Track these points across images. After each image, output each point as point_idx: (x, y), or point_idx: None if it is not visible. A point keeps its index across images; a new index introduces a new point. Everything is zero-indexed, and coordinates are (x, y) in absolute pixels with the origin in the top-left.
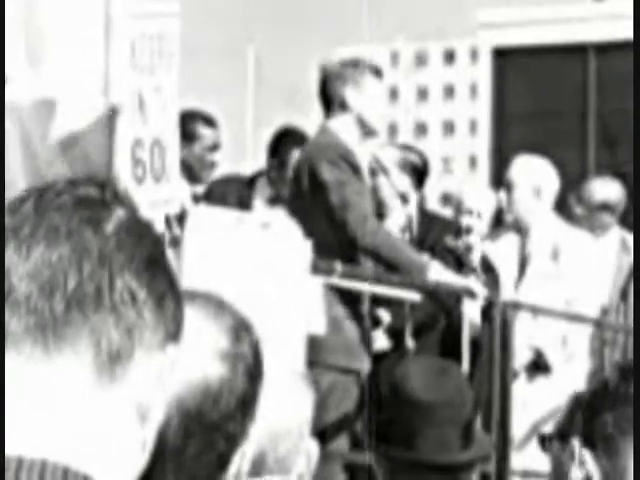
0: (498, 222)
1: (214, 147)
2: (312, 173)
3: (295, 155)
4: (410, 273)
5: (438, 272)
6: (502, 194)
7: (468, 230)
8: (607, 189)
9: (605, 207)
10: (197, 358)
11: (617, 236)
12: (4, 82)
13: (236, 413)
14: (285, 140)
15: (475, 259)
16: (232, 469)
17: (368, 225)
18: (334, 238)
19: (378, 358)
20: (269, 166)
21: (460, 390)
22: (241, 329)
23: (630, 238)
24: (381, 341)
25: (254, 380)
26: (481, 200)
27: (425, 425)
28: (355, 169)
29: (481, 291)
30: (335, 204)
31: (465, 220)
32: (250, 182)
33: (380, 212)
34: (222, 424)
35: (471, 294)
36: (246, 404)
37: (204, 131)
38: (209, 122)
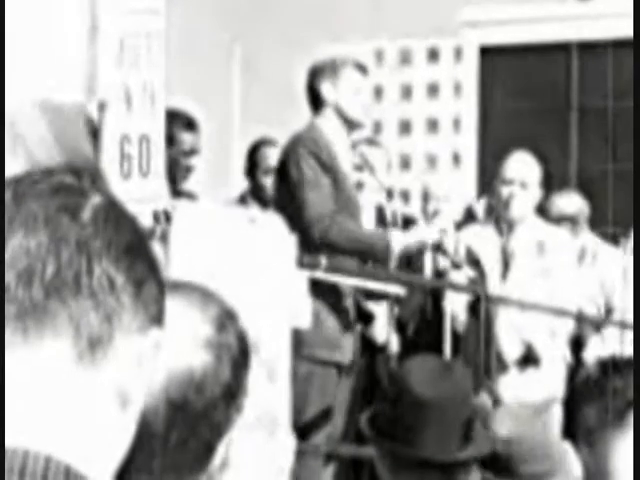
0: (470, 217)
1: (191, 152)
2: (283, 168)
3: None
4: (375, 252)
5: (399, 238)
6: (501, 188)
7: (435, 213)
8: (563, 202)
9: (563, 219)
10: (181, 346)
11: (579, 244)
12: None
13: (220, 402)
14: (262, 150)
15: (449, 245)
16: (217, 459)
17: (322, 223)
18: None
19: (378, 351)
20: (251, 185)
21: (461, 388)
22: (226, 318)
23: (590, 245)
24: (381, 334)
25: (239, 369)
26: (446, 186)
27: (425, 422)
28: (325, 166)
29: (431, 236)
30: (296, 201)
31: (432, 205)
32: (241, 201)
33: (356, 209)
34: (206, 413)
35: (425, 246)
36: (231, 393)
37: (183, 136)
38: (190, 126)
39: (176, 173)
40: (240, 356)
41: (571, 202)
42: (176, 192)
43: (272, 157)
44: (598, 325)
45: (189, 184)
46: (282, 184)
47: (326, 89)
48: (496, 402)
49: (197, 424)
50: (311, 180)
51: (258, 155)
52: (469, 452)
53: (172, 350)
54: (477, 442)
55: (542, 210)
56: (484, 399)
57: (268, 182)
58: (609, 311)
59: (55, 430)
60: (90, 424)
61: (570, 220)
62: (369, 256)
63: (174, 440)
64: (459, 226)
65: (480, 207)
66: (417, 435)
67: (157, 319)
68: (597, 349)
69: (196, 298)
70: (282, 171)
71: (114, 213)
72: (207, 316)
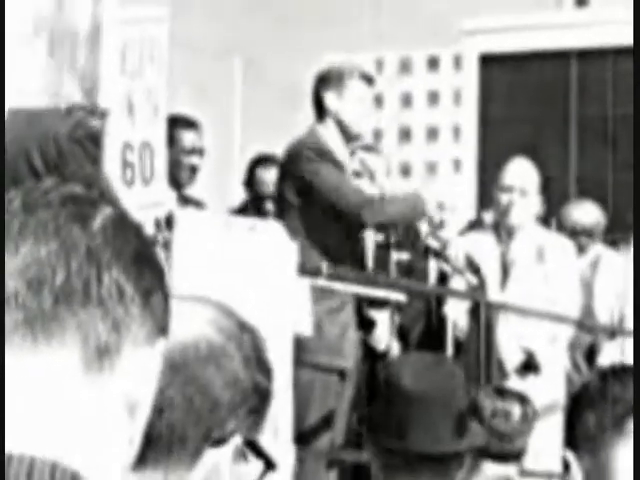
0: (472, 226)
1: (193, 150)
2: (294, 171)
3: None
4: (416, 210)
5: (428, 195)
6: (501, 195)
7: (442, 224)
8: (582, 213)
9: (582, 231)
10: (196, 324)
11: (593, 253)
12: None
13: (223, 388)
14: (261, 167)
15: (452, 254)
16: (209, 461)
17: (372, 205)
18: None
19: (379, 358)
20: (251, 197)
21: (452, 381)
22: (247, 326)
23: (605, 254)
24: (382, 341)
25: (248, 368)
26: (454, 195)
27: (417, 415)
28: (336, 164)
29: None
30: (327, 195)
31: (438, 215)
32: (240, 211)
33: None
34: (202, 384)
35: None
36: (237, 386)
37: (182, 134)
38: (190, 125)
39: (179, 174)
40: (254, 358)
41: (588, 213)
42: (183, 198)
43: (271, 173)
44: (613, 333)
45: (196, 190)
46: (291, 188)
47: (329, 98)
48: (524, 401)
49: (194, 394)
50: (331, 173)
51: (257, 170)
52: (462, 445)
53: (186, 326)
54: (470, 435)
55: (558, 221)
56: (511, 407)
57: (267, 194)
58: (622, 319)
59: (62, 437)
60: (97, 431)
61: (587, 233)
62: (408, 218)
63: (179, 401)
64: (460, 233)
65: (490, 217)
66: (408, 429)
67: (163, 330)
68: (611, 357)
69: (224, 308)
70: (293, 176)
71: (124, 223)
72: (228, 315)
